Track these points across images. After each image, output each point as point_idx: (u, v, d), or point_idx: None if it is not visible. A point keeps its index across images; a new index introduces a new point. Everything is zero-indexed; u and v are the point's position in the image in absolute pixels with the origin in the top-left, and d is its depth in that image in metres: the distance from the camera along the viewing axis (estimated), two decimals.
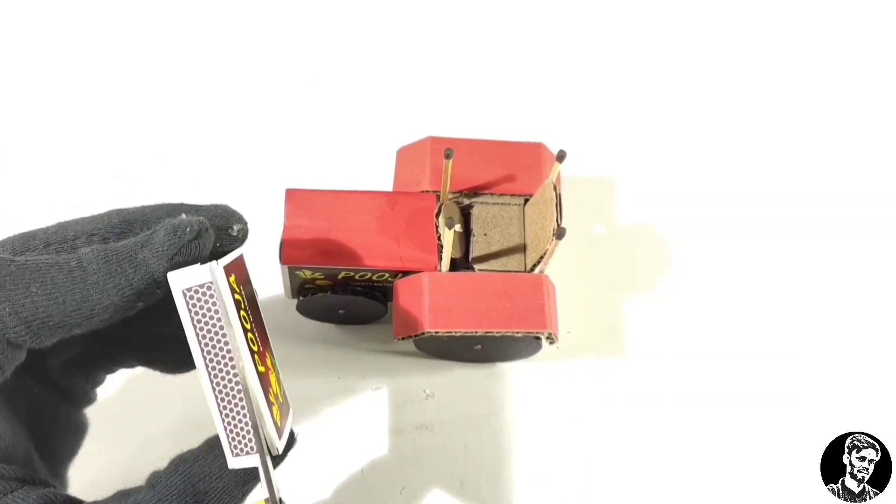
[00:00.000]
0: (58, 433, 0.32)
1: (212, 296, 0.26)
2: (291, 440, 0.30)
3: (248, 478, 0.28)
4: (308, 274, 0.39)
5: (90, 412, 0.34)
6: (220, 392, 0.26)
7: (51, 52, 0.51)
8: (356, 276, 0.39)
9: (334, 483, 0.39)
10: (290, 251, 0.38)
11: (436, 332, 0.37)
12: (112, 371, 0.34)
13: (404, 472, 0.40)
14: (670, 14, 0.55)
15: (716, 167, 0.49)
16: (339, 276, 0.39)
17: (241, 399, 0.26)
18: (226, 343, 0.26)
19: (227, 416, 0.27)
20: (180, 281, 0.26)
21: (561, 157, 0.37)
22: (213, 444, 0.28)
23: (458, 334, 0.37)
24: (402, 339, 0.38)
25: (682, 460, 0.41)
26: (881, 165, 0.50)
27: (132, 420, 0.40)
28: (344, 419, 0.41)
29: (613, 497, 0.40)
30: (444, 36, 0.53)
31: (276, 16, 0.53)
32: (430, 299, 0.37)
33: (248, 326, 0.28)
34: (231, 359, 0.26)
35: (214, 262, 0.27)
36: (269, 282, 0.42)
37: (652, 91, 0.52)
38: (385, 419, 0.41)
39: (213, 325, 0.26)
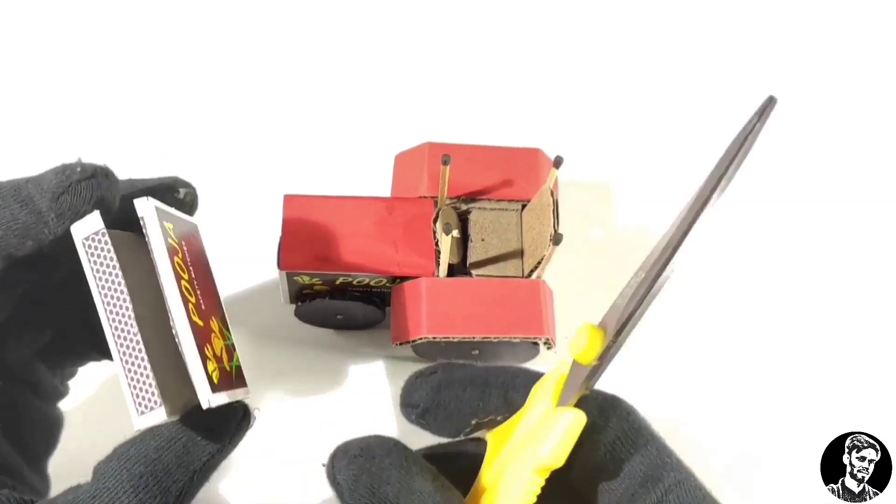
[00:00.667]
0: (31, 428, 0.32)
1: (106, 242, 0.26)
2: (247, 418, 0.29)
3: (191, 459, 0.27)
4: (306, 279, 0.39)
5: (77, 408, 0.34)
6: (122, 345, 0.26)
7: (50, 54, 0.51)
8: (354, 282, 0.39)
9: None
10: (288, 257, 0.38)
11: (434, 338, 0.37)
12: (80, 364, 0.34)
13: None
14: (666, 20, 0.55)
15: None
16: (338, 282, 0.39)
17: (140, 350, 0.26)
18: (122, 291, 0.26)
19: (129, 370, 0.26)
20: (79, 231, 0.26)
21: (558, 162, 0.37)
22: (151, 427, 0.27)
23: (455, 340, 0.37)
24: (401, 344, 0.39)
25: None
26: (879, 167, 0.50)
27: (116, 415, 0.40)
28: (342, 425, 0.41)
29: None
30: (442, 42, 0.53)
31: (274, 22, 0.53)
32: (428, 305, 0.37)
33: (184, 276, 0.28)
34: (128, 308, 0.26)
35: (146, 197, 0.27)
36: (268, 287, 0.42)
37: (648, 97, 0.52)
38: (384, 424, 0.41)
39: (110, 273, 0.26)
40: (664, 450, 0.27)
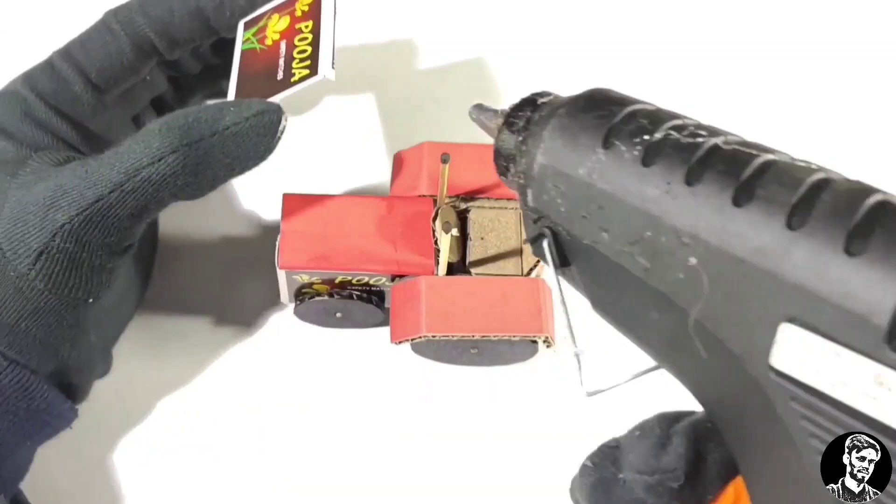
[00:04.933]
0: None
1: None
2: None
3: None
4: (305, 278, 0.39)
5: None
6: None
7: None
8: (353, 281, 0.39)
9: (326, 487, 0.39)
10: (286, 256, 0.38)
11: (433, 336, 0.37)
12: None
13: (401, 477, 0.40)
14: (665, 17, 0.55)
15: None
16: (337, 281, 0.39)
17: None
18: None
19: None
20: None
21: None
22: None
23: (454, 338, 0.37)
24: (400, 342, 0.39)
25: None
26: (876, 166, 0.50)
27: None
28: (342, 425, 0.41)
29: None
30: (440, 40, 0.53)
31: None
32: (427, 303, 0.37)
33: None
34: None
35: None
36: (266, 286, 0.42)
37: (647, 93, 0.52)
38: (382, 424, 0.41)
39: None
40: None
